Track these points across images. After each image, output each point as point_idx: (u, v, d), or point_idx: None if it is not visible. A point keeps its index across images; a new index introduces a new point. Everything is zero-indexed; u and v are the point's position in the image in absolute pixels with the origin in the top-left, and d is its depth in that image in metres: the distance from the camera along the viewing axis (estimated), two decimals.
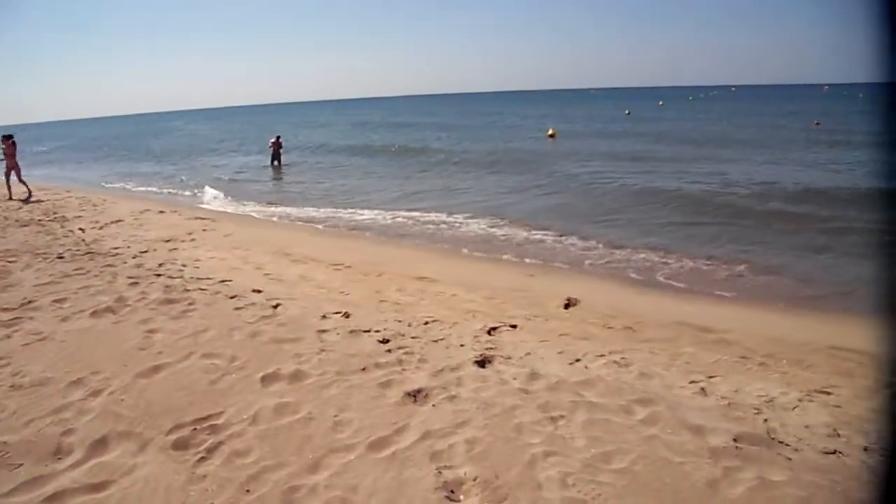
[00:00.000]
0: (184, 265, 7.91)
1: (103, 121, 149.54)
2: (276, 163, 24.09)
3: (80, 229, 10.71)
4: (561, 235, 11.04)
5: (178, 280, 7.03)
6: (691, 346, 5.31)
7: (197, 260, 8.32)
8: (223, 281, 7.07)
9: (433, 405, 3.95)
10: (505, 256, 9.58)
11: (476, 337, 5.30)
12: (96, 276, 7.16)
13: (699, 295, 7.44)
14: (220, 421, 3.73)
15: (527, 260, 9.26)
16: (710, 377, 4.53)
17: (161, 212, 13.52)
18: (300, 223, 13.06)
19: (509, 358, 4.78)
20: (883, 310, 1.97)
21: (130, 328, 5.39)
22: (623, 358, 4.86)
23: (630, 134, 33.62)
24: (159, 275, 7.27)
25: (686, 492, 3.04)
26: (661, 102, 75.26)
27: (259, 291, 6.63)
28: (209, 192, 18.70)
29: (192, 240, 10.03)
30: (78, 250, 8.68)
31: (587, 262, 9.27)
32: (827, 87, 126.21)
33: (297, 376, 4.38)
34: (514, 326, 5.71)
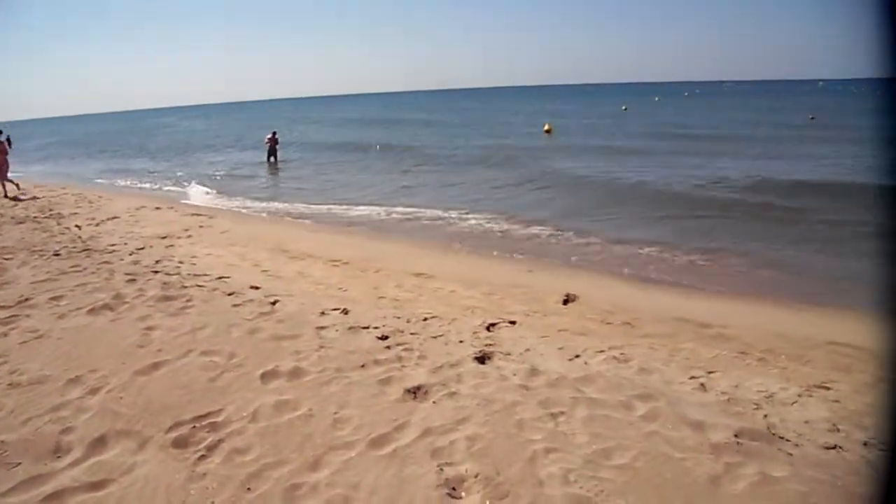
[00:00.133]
0: (181, 262, 7.88)
1: (96, 117, 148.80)
2: (272, 159, 24.00)
3: (77, 226, 10.65)
4: (558, 231, 11.05)
5: (175, 277, 7.00)
6: (690, 341, 5.32)
7: (194, 256, 8.29)
8: (221, 277, 7.04)
9: (433, 402, 3.94)
10: (503, 252, 9.57)
11: (475, 333, 5.29)
12: (93, 273, 7.13)
13: (697, 290, 7.44)
14: (219, 419, 3.71)
15: (525, 256, 9.25)
16: (710, 372, 4.53)
17: (157, 208, 13.47)
18: (297, 219, 13.04)
19: (509, 354, 4.77)
20: (883, 306, 1.97)
21: (128, 325, 5.36)
22: (622, 353, 4.86)
23: (627, 129, 33.61)
24: (156, 271, 7.24)
25: (688, 487, 3.04)
26: (657, 98, 75.34)
27: (257, 288, 6.61)
28: (198, 189, 18.67)
29: (189, 236, 9.99)
30: (74, 247, 8.63)
31: (585, 257, 9.28)
32: (821, 82, 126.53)
33: (296, 373, 4.37)
34: (513, 322, 5.70)
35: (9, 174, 15.00)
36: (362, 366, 4.49)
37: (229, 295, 6.30)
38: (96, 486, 3.10)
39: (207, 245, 9.27)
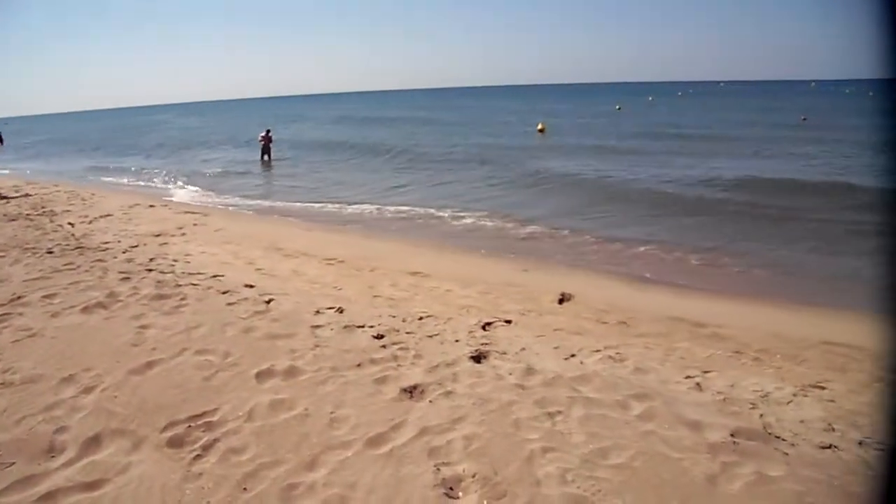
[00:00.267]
0: (175, 260, 7.83)
1: (91, 114, 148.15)
2: (266, 157, 23.91)
3: (70, 224, 10.57)
4: (553, 230, 11.08)
5: (169, 275, 6.96)
6: (685, 340, 5.33)
7: (188, 255, 8.25)
8: (215, 276, 7.00)
9: (430, 401, 3.93)
10: (498, 251, 9.58)
11: (471, 332, 5.29)
12: (86, 271, 7.08)
13: (692, 289, 7.46)
14: (215, 418, 3.69)
15: (520, 254, 9.25)
16: (705, 372, 4.54)
17: (151, 206, 13.41)
18: (292, 218, 13.00)
19: (504, 353, 4.77)
20: (881, 306, 1.97)
21: (122, 324, 5.32)
22: (618, 353, 4.87)
23: (620, 129, 33.67)
24: (150, 270, 7.19)
25: (685, 487, 3.04)
26: (650, 98, 75.50)
27: (251, 286, 6.58)
28: (191, 187, 18.63)
29: (183, 234, 9.94)
30: (67, 245, 8.57)
31: (580, 256, 9.31)
32: (814, 83, 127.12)
33: (291, 372, 4.35)
34: (508, 321, 5.69)
35: None
36: (358, 365, 4.48)
37: (224, 293, 6.27)
38: (91, 486, 3.07)
39: (201, 243, 9.23)
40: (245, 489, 3.02)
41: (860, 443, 3.46)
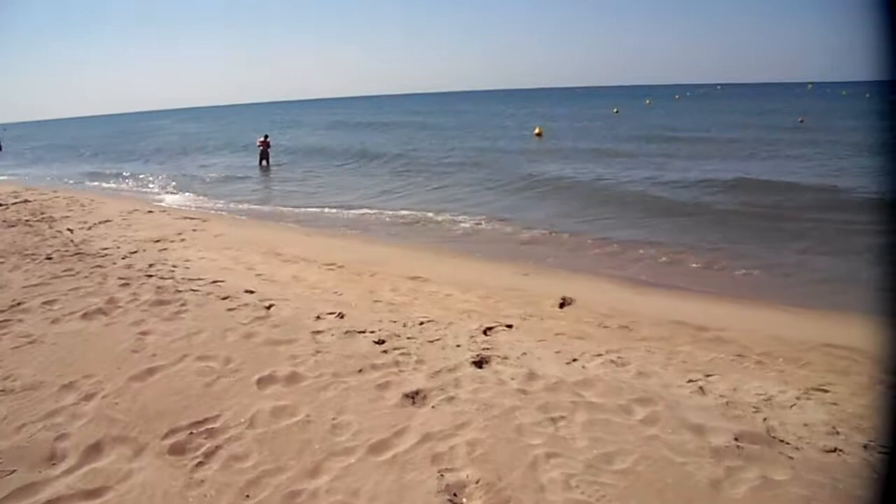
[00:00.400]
0: (174, 266, 7.82)
1: (91, 120, 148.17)
2: (264, 162, 23.89)
3: (69, 230, 10.56)
4: (551, 234, 11.07)
5: (169, 281, 6.95)
6: (687, 344, 5.31)
7: (187, 260, 8.23)
8: (215, 281, 6.99)
9: (432, 407, 3.92)
10: (497, 255, 9.56)
11: (472, 337, 5.27)
12: (86, 277, 7.07)
13: (692, 292, 7.44)
14: (216, 425, 3.68)
15: (519, 258, 9.23)
16: (708, 376, 4.52)
17: (150, 212, 13.40)
18: (291, 223, 12.98)
19: (506, 358, 4.75)
20: (881, 309, 1.96)
21: (122, 330, 5.32)
22: (620, 357, 4.85)
23: (618, 132, 33.70)
24: (150, 275, 7.18)
25: (689, 492, 3.03)
26: (648, 101, 75.61)
27: (251, 292, 6.56)
28: (190, 192, 18.60)
29: (182, 240, 9.92)
30: (67, 251, 8.56)
31: (579, 260, 9.29)
32: (811, 85, 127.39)
33: (293, 378, 4.34)
34: (509, 326, 5.68)
35: None
36: (359, 371, 4.47)
37: (224, 299, 6.26)
38: (92, 493, 3.06)
39: (201, 249, 9.21)
40: (248, 496, 3.01)
41: (865, 446, 3.45)
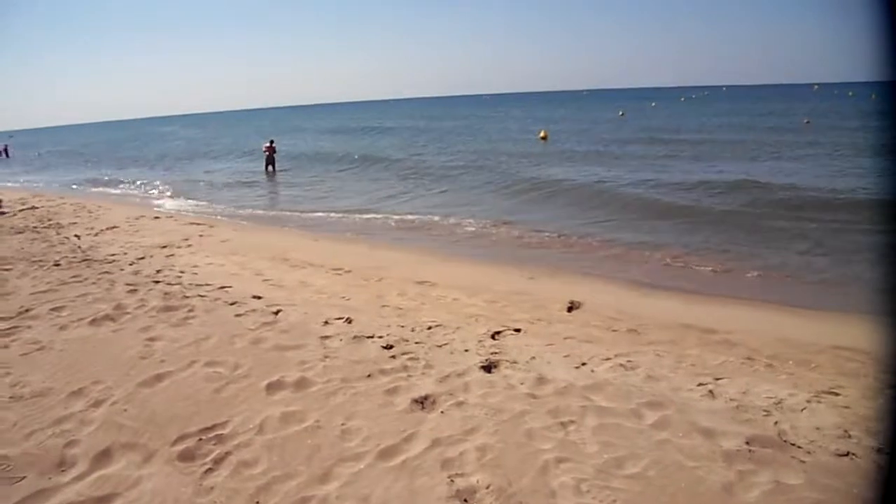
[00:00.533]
0: (182, 271, 7.84)
1: (95, 126, 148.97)
2: (270, 168, 23.95)
3: (76, 236, 10.61)
4: (557, 237, 11.07)
5: (176, 287, 6.96)
6: (696, 347, 5.29)
7: (195, 266, 8.25)
8: (222, 287, 7.00)
9: (441, 412, 3.90)
10: (503, 259, 9.56)
11: (480, 341, 5.26)
12: (94, 283, 7.09)
13: (699, 294, 7.42)
14: (225, 431, 3.67)
15: (525, 262, 9.22)
16: (717, 379, 4.50)
17: (156, 217, 13.46)
18: (298, 228, 13.01)
19: (515, 362, 4.74)
20: (885, 311, 1.95)
21: (130, 336, 5.32)
22: (629, 361, 4.83)
23: (623, 135, 33.65)
24: (157, 281, 7.20)
25: (701, 496, 3.01)
26: (653, 104, 75.51)
27: (259, 297, 6.57)
28: (196, 198, 18.65)
29: (189, 246, 9.95)
30: (74, 257, 8.60)
31: (586, 263, 9.27)
32: (817, 86, 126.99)
33: (301, 384, 4.33)
34: (517, 330, 5.67)
35: None
36: (368, 376, 4.46)
37: (231, 305, 6.27)
38: (102, 500, 3.06)
39: (208, 254, 9.23)
40: (258, 503, 2.99)
41: (878, 450, 3.41)
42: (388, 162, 25.31)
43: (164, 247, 9.72)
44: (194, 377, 4.46)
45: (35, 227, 11.59)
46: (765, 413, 3.89)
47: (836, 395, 4.25)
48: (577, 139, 32.14)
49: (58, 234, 10.89)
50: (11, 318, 5.85)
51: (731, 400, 4.10)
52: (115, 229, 11.54)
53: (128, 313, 5.97)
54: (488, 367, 4.62)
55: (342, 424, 3.74)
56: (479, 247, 10.73)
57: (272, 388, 4.26)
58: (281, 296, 6.73)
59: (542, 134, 33.37)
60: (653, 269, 8.85)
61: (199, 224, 12.51)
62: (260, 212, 15.75)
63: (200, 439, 3.58)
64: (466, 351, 4.98)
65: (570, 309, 6.51)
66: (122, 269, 7.87)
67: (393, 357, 4.82)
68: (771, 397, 4.16)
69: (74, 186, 23.17)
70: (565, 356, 4.92)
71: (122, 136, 71.49)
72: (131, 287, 6.89)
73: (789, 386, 4.41)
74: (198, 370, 4.57)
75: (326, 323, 5.69)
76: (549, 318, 6.15)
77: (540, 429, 3.65)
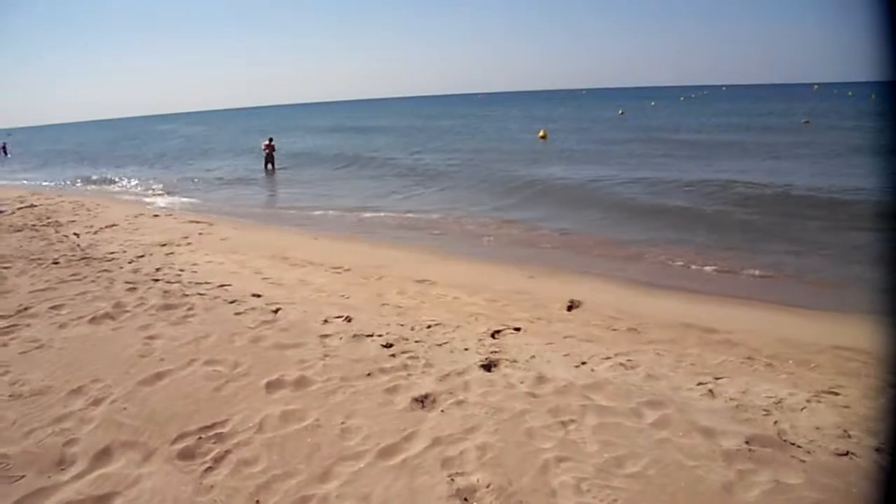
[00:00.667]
0: (181, 270, 7.83)
1: (93, 124, 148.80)
2: (269, 166, 23.93)
3: (75, 234, 10.60)
4: (556, 235, 11.08)
5: (176, 285, 6.96)
6: (696, 346, 5.29)
7: (194, 264, 8.24)
8: (222, 285, 6.99)
9: (441, 411, 3.90)
10: (503, 257, 9.56)
11: (480, 340, 5.26)
12: (93, 281, 7.08)
13: (699, 294, 7.42)
14: (225, 429, 3.67)
15: (525, 261, 9.21)
16: (717, 378, 4.50)
17: (155, 216, 13.46)
18: (297, 226, 12.98)
19: (515, 361, 4.74)
20: (885, 310, 1.94)
21: (130, 334, 5.32)
22: (629, 360, 4.83)
23: (622, 134, 33.64)
24: (157, 279, 7.20)
25: (701, 496, 3.01)
26: (652, 103, 75.54)
27: (259, 296, 6.57)
28: (195, 196, 18.62)
29: (189, 244, 9.94)
30: (73, 255, 8.59)
31: (586, 262, 9.28)
32: (816, 85, 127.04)
33: (301, 383, 4.33)
34: (517, 329, 5.66)
35: None
36: (368, 374, 4.46)
37: (231, 303, 6.26)
38: (101, 499, 3.05)
39: (207, 252, 9.22)
40: (258, 502, 2.99)
41: (877, 449, 3.42)
42: (386, 160, 25.30)
43: (164, 245, 9.71)
44: (194, 375, 4.45)
45: (34, 226, 11.58)
46: (764, 412, 3.89)
47: (836, 394, 4.25)
48: (576, 138, 32.15)
49: (56, 232, 10.88)
50: (10, 316, 5.84)
51: (730, 399, 4.10)
52: (114, 227, 11.52)
53: (127, 311, 5.96)
54: (488, 366, 4.62)
55: (342, 423, 3.74)
56: (479, 245, 10.74)
57: (272, 386, 4.26)
58: (280, 294, 6.72)
59: (541, 133, 33.36)
60: (652, 268, 8.85)
61: (198, 222, 12.48)
62: (259, 210, 15.76)
63: (200, 438, 3.58)
64: (466, 350, 4.98)
65: (569, 308, 6.51)
66: (121, 268, 7.87)
67: (393, 356, 4.82)
68: (771, 397, 4.16)
69: (72, 184, 23.15)
70: (565, 355, 4.92)
71: (120, 134, 71.43)
72: (131, 285, 6.89)
73: (789, 385, 4.41)
74: (197, 368, 4.57)
75: (326, 321, 5.69)
76: (549, 317, 6.15)
77: (540, 428, 3.65)
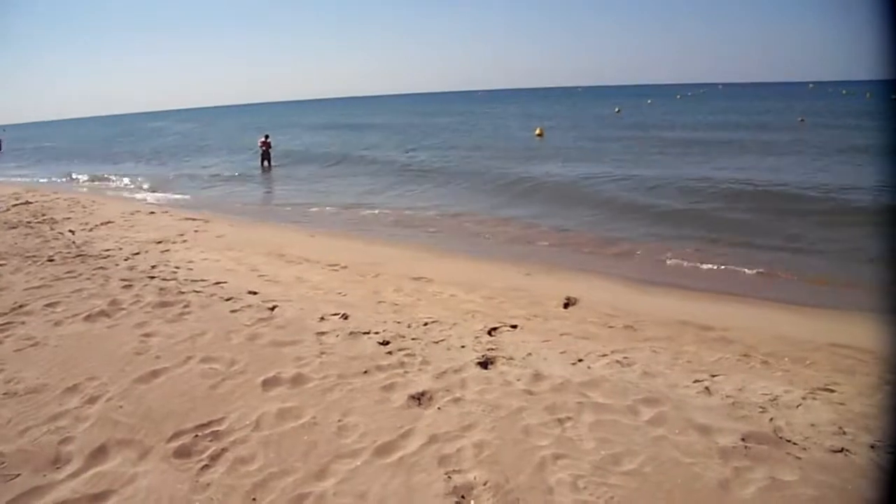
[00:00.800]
0: (177, 267, 7.81)
1: (87, 121, 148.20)
2: (265, 163, 23.89)
3: (70, 231, 10.56)
4: (553, 233, 11.09)
5: (172, 282, 6.93)
6: (692, 344, 5.29)
7: (190, 261, 8.21)
8: (218, 283, 6.98)
9: (438, 408, 3.90)
10: (499, 255, 9.56)
11: (477, 338, 5.26)
12: (88, 278, 7.05)
13: (695, 291, 7.43)
14: (222, 427, 3.66)
15: (522, 258, 9.21)
16: (714, 376, 4.50)
17: (151, 213, 13.40)
18: (294, 223, 12.96)
19: (512, 359, 4.74)
20: (885, 308, 1.95)
21: (126, 332, 5.30)
22: (625, 357, 4.83)
23: (619, 132, 33.66)
24: (153, 277, 7.17)
25: (698, 493, 3.02)
26: (649, 101, 75.61)
27: (255, 293, 6.55)
28: (191, 193, 18.56)
29: (184, 241, 9.91)
30: (69, 253, 8.55)
31: (582, 259, 9.31)
32: (812, 84, 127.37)
33: (298, 380, 4.32)
34: (514, 326, 5.66)
35: None
36: (365, 372, 4.45)
37: (227, 300, 6.25)
38: (97, 497, 3.04)
39: (203, 250, 9.20)
40: (254, 500, 2.99)
41: (872, 446, 3.43)
42: (383, 158, 25.24)
43: (160, 242, 9.68)
44: (190, 373, 4.44)
45: (29, 223, 11.53)
46: (760, 410, 3.90)
47: (832, 391, 4.26)
48: (573, 136, 32.18)
49: (52, 229, 10.83)
50: (5, 314, 5.81)
51: (727, 397, 4.11)
52: (109, 224, 11.47)
53: (123, 309, 5.94)
54: (485, 364, 4.62)
55: (339, 421, 3.74)
56: (476, 243, 10.74)
57: (268, 384, 4.25)
58: (277, 291, 6.71)
59: (537, 131, 33.34)
60: (649, 265, 8.87)
61: (194, 219, 12.43)
62: (255, 207, 15.76)
63: (196, 436, 3.57)
64: (463, 347, 4.98)
65: (566, 305, 6.51)
66: (116, 265, 7.84)
67: (389, 353, 4.81)
68: (767, 394, 4.17)
69: (68, 181, 23.05)
70: (562, 352, 4.92)
71: (113, 131, 71.11)
72: (126, 282, 6.86)
73: (785, 383, 4.42)
74: (194, 366, 4.56)
75: (322, 319, 5.68)
76: (546, 315, 6.15)
77: (537, 425, 3.65)
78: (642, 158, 21.38)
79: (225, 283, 6.99)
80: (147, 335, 5.21)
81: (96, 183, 22.33)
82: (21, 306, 6.03)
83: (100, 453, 3.41)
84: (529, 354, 4.85)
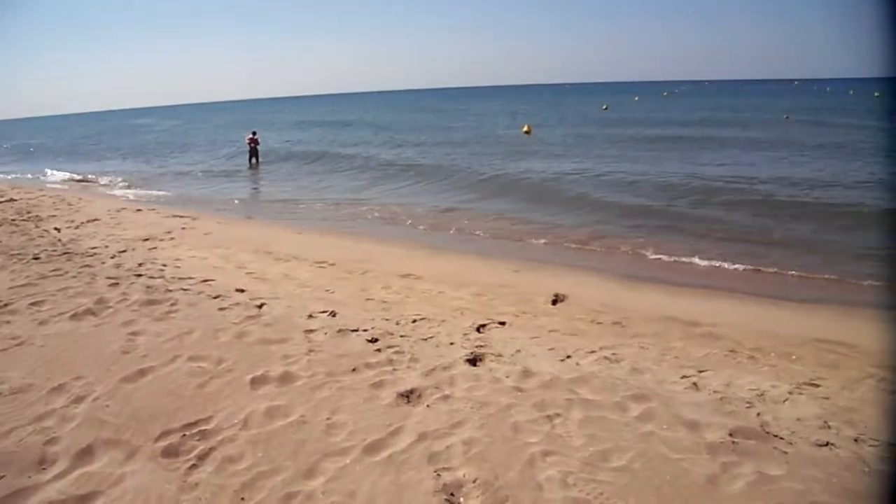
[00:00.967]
0: (164, 265, 7.74)
1: (70, 118, 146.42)
2: (253, 160, 23.75)
3: (56, 229, 10.43)
4: (541, 230, 11.10)
5: (159, 280, 6.88)
6: (680, 340, 5.33)
7: (177, 259, 8.15)
8: (205, 280, 6.93)
9: (427, 405, 3.90)
10: (487, 251, 9.57)
11: (465, 335, 5.26)
12: (74, 277, 6.98)
13: (683, 287, 7.48)
14: (210, 426, 3.64)
15: (510, 255, 9.23)
16: (701, 371, 4.54)
17: (138, 210, 13.28)
18: (281, 221, 12.89)
19: (500, 356, 4.74)
20: (885, 307, 1.98)
21: (112, 331, 5.25)
22: (614, 354, 4.86)
23: (606, 129, 33.72)
24: (140, 275, 7.11)
25: (686, 488, 3.04)
26: (636, 98, 75.87)
27: (242, 291, 6.52)
28: (177, 189, 18.40)
29: (172, 238, 9.83)
30: (54, 251, 8.45)
31: (571, 256, 9.35)
32: (797, 82, 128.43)
33: (286, 378, 4.30)
34: (502, 323, 5.67)
35: None
36: (353, 370, 4.44)
37: (215, 298, 6.21)
38: (84, 498, 3.02)
39: (191, 247, 9.13)
40: (243, 499, 2.98)
41: (856, 440, 3.48)
42: (371, 155, 25.12)
43: (147, 239, 9.59)
44: (178, 372, 4.41)
45: (13, 220, 11.37)
46: (748, 405, 3.94)
47: (817, 386, 4.31)
48: (560, 133, 32.21)
49: (37, 226, 10.70)
50: None
51: (714, 392, 4.14)
52: (95, 222, 11.35)
53: (109, 307, 5.88)
54: (474, 361, 4.62)
55: (327, 419, 3.73)
56: (464, 240, 10.74)
57: (256, 382, 4.23)
58: (264, 289, 6.68)
59: (525, 128, 33.33)
60: (637, 262, 8.91)
61: (181, 217, 12.33)
62: (242, 204, 15.63)
63: (184, 435, 3.55)
64: (452, 344, 4.98)
65: (554, 302, 6.53)
66: (103, 263, 7.76)
67: (378, 350, 4.80)
68: (754, 389, 4.21)
69: (52, 178, 22.78)
70: (550, 349, 4.94)
71: (98, 128, 70.32)
72: (113, 281, 6.80)
73: (771, 378, 4.47)
74: (181, 365, 4.53)
75: (311, 316, 5.66)
76: (534, 311, 6.16)
77: (526, 422, 3.66)
78: (628, 155, 21.46)
79: (212, 280, 6.94)
80: (134, 334, 5.16)
81: (82, 180, 22.08)
82: (6, 305, 5.96)
83: (86, 454, 3.38)
84: (518, 351, 4.86)
